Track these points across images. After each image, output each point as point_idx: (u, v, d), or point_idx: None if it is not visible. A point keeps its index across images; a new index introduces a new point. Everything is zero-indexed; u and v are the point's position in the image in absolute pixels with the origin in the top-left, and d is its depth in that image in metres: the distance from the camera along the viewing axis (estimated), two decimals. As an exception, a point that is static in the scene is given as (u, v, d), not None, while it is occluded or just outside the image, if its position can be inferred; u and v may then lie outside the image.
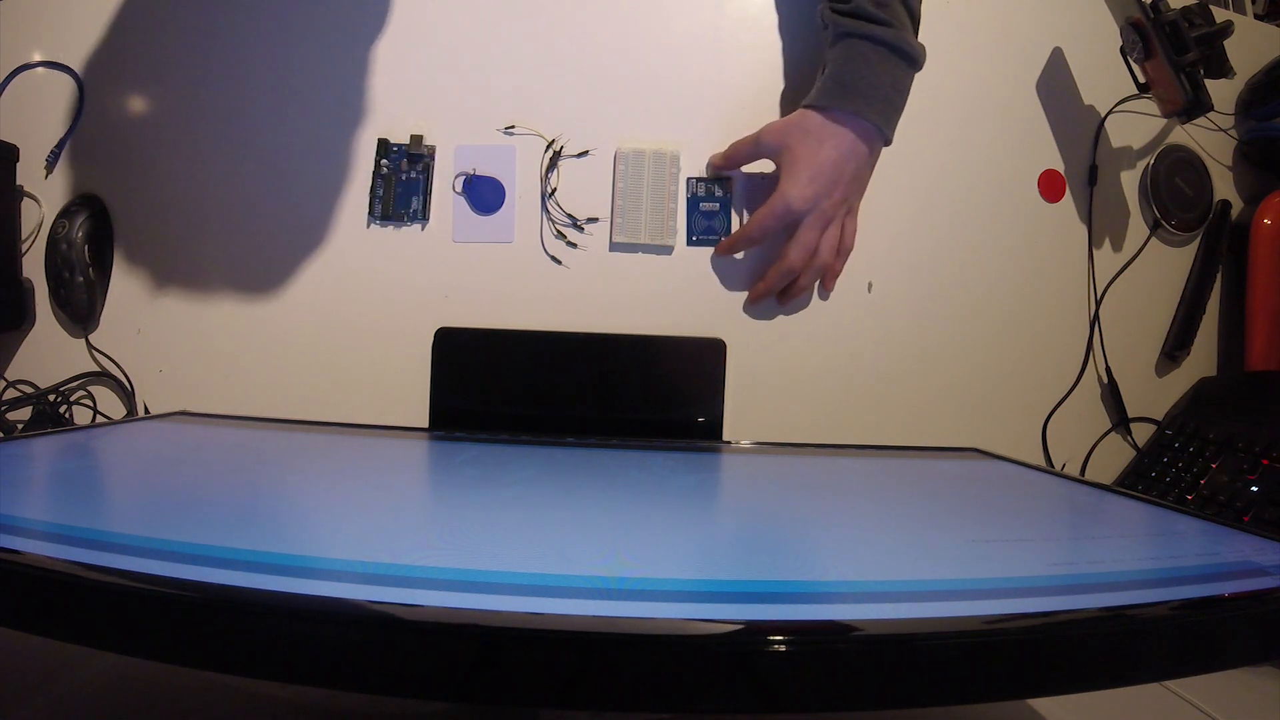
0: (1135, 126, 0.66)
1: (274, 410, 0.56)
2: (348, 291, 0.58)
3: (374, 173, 0.58)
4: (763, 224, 0.55)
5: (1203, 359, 0.67)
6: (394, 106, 0.59)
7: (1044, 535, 0.34)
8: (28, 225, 0.58)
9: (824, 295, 0.60)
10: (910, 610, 0.23)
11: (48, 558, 0.24)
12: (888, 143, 0.55)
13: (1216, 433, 0.58)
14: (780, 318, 0.60)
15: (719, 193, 0.59)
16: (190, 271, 0.58)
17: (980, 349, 0.62)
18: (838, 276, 0.59)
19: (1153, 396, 0.65)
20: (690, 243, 0.59)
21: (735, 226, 0.59)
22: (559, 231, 0.58)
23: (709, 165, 0.59)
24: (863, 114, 0.52)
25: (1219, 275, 0.66)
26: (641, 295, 0.58)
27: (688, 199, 0.59)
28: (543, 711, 0.30)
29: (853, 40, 0.52)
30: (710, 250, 0.59)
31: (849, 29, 0.52)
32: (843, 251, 0.58)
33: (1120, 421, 0.64)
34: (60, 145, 0.59)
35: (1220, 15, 0.59)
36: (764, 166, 0.59)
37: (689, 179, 0.59)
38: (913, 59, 0.53)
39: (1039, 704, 0.38)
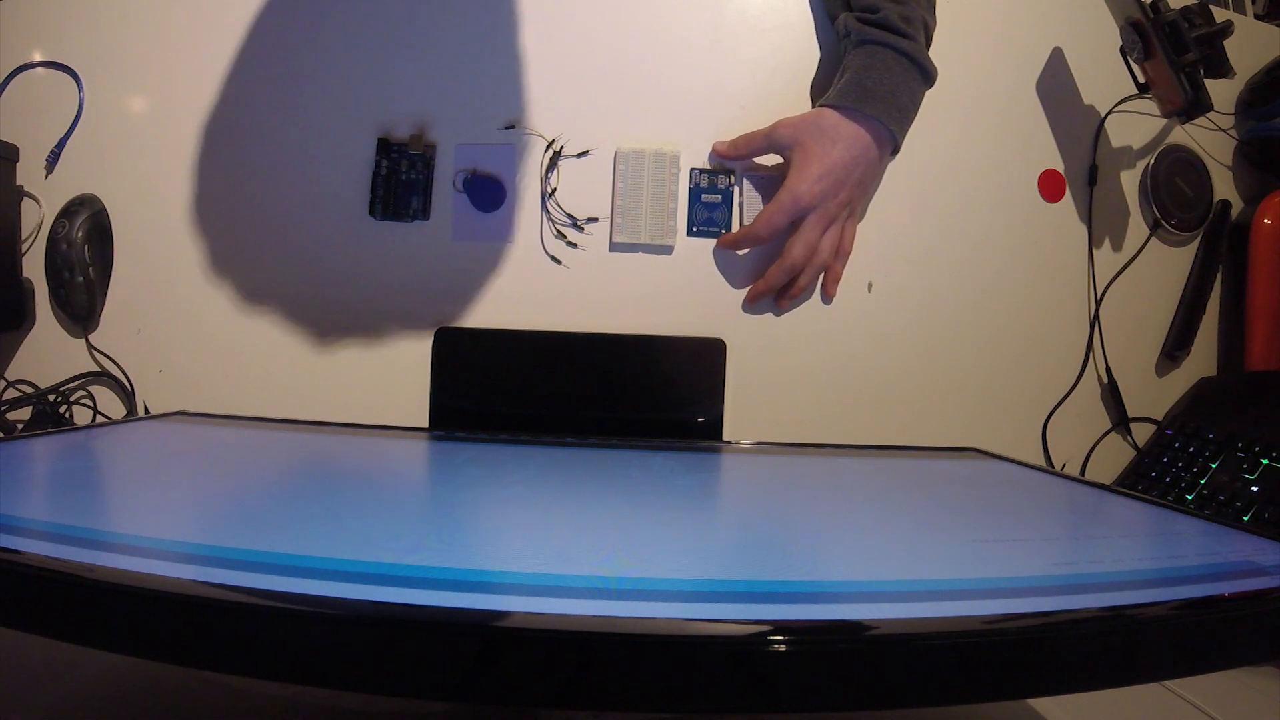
0: (1135, 126, 0.66)
1: (274, 410, 0.56)
2: (348, 291, 0.58)
3: (374, 172, 0.58)
4: (770, 221, 0.55)
5: (1203, 359, 0.67)
6: (394, 106, 0.58)
7: (1044, 535, 0.34)
8: (28, 225, 0.58)
9: (827, 299, 0.60)
10: (910, 610, 0.23)
11: (48, 558, 0.24)
12: (896, 151, 0.56)
13: (1216, 433, 0.58)
14: (780, 317, 0.60)
15: (722, 184, 0.59)
16: (190, 271, 0.58)
17: (980, 349, 0.62)
18: (838, 280, 0.59)
19: (1153, 396, 0.65)
20: (690, 233, 0.58)
21: (735, 220, 0.59)
22: (559, 231, 0.58)
23: (712, 153, 0.58)
24: (881, 118, 0.52)
25: (1219, 275, 0.66)
26: (641, 295, 0.58)
27: (690, 189, 0.59)
28: (543, 711, 0.30)
29: (876, 48, 0.52)
30: (710, 243, 0.59)
31: (875, 37, 0.52)
32: (841, 254, 0.58)
33: (1120, 421, 0.64)
34: (60, 145, 0.59)
35: (1220, 15, 0.59)
36: (768, 161, 0.59)
37: (692, 169, 0.59)
38: (929, 75, 0.54)
39: (1039, 704, 0.38)
